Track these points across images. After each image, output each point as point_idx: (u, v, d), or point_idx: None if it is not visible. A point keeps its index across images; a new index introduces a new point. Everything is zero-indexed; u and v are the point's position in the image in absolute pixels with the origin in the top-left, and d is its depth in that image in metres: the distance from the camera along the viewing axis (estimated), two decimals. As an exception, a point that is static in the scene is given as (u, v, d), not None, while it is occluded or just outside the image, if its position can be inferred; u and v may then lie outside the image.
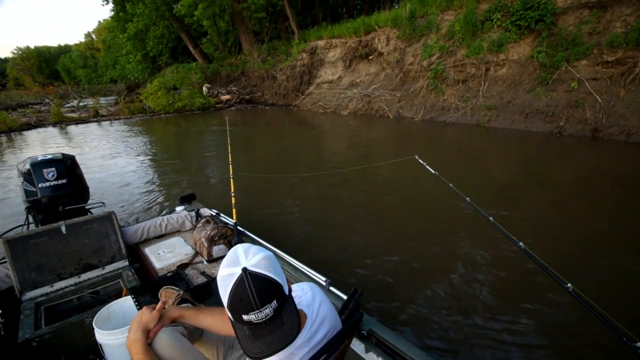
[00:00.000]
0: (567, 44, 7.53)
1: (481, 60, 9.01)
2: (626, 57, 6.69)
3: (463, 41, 9.46)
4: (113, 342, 1.36)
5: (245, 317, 0.81)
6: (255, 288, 0.79)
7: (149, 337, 1.10)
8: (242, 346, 0.84)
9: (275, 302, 0.82)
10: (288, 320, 0.85)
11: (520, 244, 1.45)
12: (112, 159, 7.58)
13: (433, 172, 2.24)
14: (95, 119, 14.24)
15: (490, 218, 1.59)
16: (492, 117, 8.46)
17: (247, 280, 0.80)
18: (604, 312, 1.13)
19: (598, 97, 6.88)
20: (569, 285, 1.23)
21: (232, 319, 0.85)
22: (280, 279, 0.86)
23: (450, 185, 1.98)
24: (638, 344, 0.98)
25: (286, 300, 0.87)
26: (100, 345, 1.40)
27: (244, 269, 0.81)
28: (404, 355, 1.28)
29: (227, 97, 16.56)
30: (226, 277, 0.82)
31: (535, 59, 8.01)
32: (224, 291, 0.82)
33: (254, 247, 0.89)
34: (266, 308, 0.80)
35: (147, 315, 1.13)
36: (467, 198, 1.81)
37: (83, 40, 58.34)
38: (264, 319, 0.81)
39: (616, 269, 2.75)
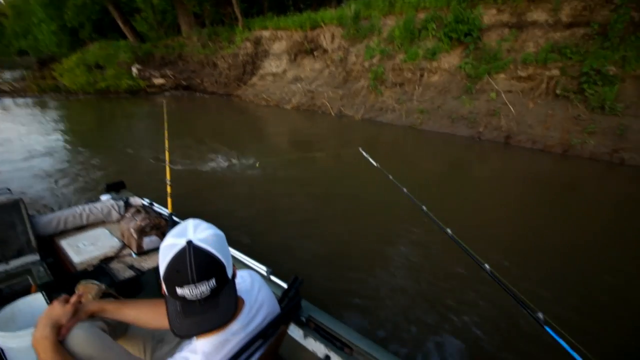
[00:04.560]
0: (489, 58, 8.41)
1: (417, 66, 9.63)
2: (535, 74, 7.70)
3: (402, 46, 10.01)
4: (18, 345, 1.18)
5: (179, 290, 0.77)
6: (195, 262, 0.75)
7: (60, 334, 0.98)
8: (170, 322, 0.80)
9: (214, 281, 0.78)
10: (224, 304, 0.82)
11: (448, 230, 1.59)
12: (18, 141, 6.58)
13: (375, 164, 2.35)
14: (-6, 95, 12.19)
15: (423, 207, 1.73)
16: (424, 120, 9.10)
17: (189, 253, 0.76)
18: (514, 289, 1.29)
19: (511, 108, 7.81)
20: (486, 266, 1.39)
21: (165, 292, 0.81)
22: (226, 260, 0.82)
23: (390, 176, 2.11)
24: (539, 314, 1.15)
25: (227, 283, 0.83)
26: (1, 350, 1.21)
27: (189, 242, 0.77)
28: (341, 338, 1.32)
29: (161, 81, 15.34)
30: (168, 246, 0.78)
31: (463, 69, 8.80)
32: (163, 260, 0.78)
33: (206, 224, 0.85)
34: (203, 285, 0.76)
35: (59, 309, 1.00)
36: (404, 189, 1.94)
37: (-16, 2, 48.95)
38: (198, 297, 0.77)
39: (529, 252, 3.20)
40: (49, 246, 2.11)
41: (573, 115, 7.03)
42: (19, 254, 1.84)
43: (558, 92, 7.29)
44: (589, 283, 2.80)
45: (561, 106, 7.28)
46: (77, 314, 1.03)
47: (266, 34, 14.02)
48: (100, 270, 1.81)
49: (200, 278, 0.76)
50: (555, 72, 7.41)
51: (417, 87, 9.65)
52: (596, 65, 6.73)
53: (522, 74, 7.89)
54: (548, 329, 1.09)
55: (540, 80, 7.60)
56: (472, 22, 8.52)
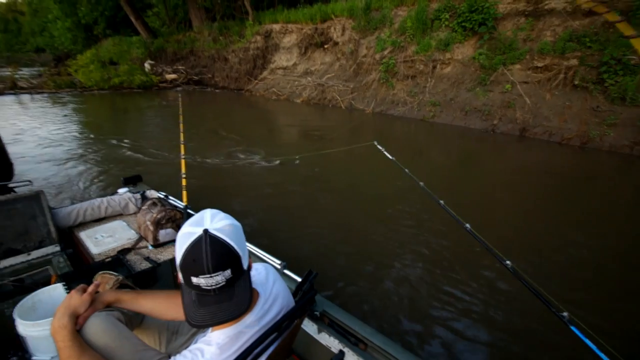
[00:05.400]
0: (504, 48, 8.18)
1: (429, 58, 9.45)
2: (553, 64, 7.47)
3: (414, 38, 9.83)
4: (39, 333, 1.21)
5: (194, 279, 0.77)
6: (211, 251, 0.76)
7: (77, 323, 0.99)
8: (185, 311, 0.80)
9: (229, 271, 0.78)
10: (239, 295, 0.82)
11: (467, 225, 1.55)
12: (38, 135, 6.74)
13: (390, 157, 2.32)
14: (11, 92, 12.46)
15: (441, 201, 1.69)
16: (437, 113, 8.95)
17: (205, 242, 0.76)
18: (538, 287, 1.25)
19: (527, 99, 7.61)
20: (508, 262, 1.34)
21: (182, 280, 0.81)
22: (241, 250, 0.82)
23: (406, 170, 2.07)
24: (564, 313, 1.12)
25: (242, 274, 0.83)
26: (23, 338, 1.23)
27: (205, 230, 0.77)
28: (356, 333, 1.30)
29: (173, 76, 15.47)
30: (185, 234, 0.78)
31: (477, 60, 8.60)
32: (180, 249, 0.78)
33: (224, 214, 0.85)
34: (218, 275, 0.77)
35: (77, 299, 1.01)
36: (420, 183, 1.90)
37: (4, 0, 49.77)
38: (214, 287, 0.77)
39: (549, 247, 3.12)
40: (68, 237, 2.16)
41: (592, 107, 6.81)
42: (40, 244, 1.88)
43: (576, 82, 7.06)
44: (609, 278, 2.72)
45: (579, 97, 7.05)
46: (94, 304, 1.05)
47: (276, 27, 13.95)
48: (118, 261, 1.84)
49: (216, 268, 0.76)
50: (574, 61, 7.17)
51: (429, 79, 9.48)
52: (617, 54, 6.48)
53: (539, 64, 7.66)
54: (574, 329, 1.05)
55: (557, 70, 7.37)
56: (486, 11, 8.29)
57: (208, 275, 0.76)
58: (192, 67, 16.64)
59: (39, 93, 12.54)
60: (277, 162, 5.31)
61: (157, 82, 14.83)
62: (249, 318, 0.92)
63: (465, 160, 6.20)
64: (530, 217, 3.79)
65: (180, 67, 16.19)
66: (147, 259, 1.93)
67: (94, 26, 22.68)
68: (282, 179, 4.78)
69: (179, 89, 15.07)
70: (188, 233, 0.78)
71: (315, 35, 12.57)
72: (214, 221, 0.81)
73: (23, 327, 1.20)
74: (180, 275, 0.81)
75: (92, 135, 7.06)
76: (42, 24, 32.38)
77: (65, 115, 8.97)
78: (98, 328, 1.01)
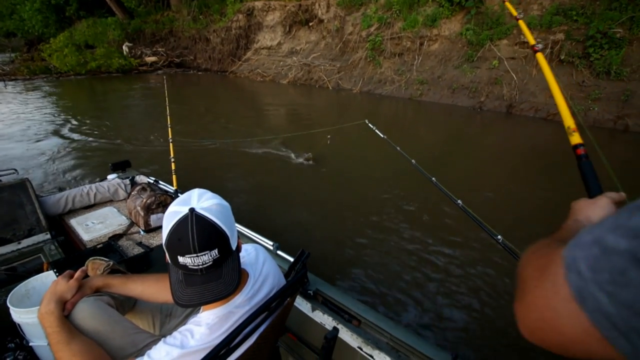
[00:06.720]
0: (491, 23, 8.13)
1: (416, 35, 9.33)
2: (539, 39, 7.47)
3: (400, 13, 9.66)
4: (32, 320, 1.21)
5: (180, 259, 0.76)
6: (197, 230, 0.74)
7: (65, 309, 0.98)
8: (172, 291, 0.80)
9: (216, 251, 0.77)
10: (227, 275, 0.81)
11: (459, 201, 1.57)
12: (18, 124, 6.50)
13: (382, 136, 2.32)
14: (-17, 79, 11.85)
15: (433, 179, 1.71)
16: (424, 92, 8.93)
17: (191, 221, 0.75)
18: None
19: (514, 76, 7.64)
20: (499, 237, 1.35)
21: (168, 260, 0.80)
22: (229, 230, 0.81)
23: (398, 148, 2.07)
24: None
25: (230, 254, 0.82)
26: (18, 325, 1.23)
27: (192, 209, 0.76)
28: (349, 310, 1.33)
29: (153, 59, 14.92)
30: (172, 213, 0.77)
31: (464, 36, 8.53)
32: (166, 227, 0.77)
33: (211, 193, 0.83)
34: (205, 254, 0.76)
35: (63, 285, 1.00)
36: (412, 160, 1.91)
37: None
38: (200, 266, 0.77)
39: (539, 221, 3.21)
40: (58, 225, 2.12)
41: (577, 82, 6.89)
42: (30, 233, 1.85)
43: (562, 57, 7.11)
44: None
45: (565, 72, 7.12)
46: (82, 289, 1.03)
47: (259, 4, 13.48)
48: (110, 247, 1.82)
49: (202, 247, 0.75)
50: (560, 36, 7.19)
51: (416, 56, 9.39)
52: (603, 27, 6.51)
53: (526, 39, 7.64)
54: None
55: (544, 45, 7.37)
56: (473, -16, 8.17)
57: (194, 255, 0.75)
58: (173, 48, 16.06)
59: (12, 80, 11.96)
60: (267, 145, 5.24)
61: (137, 65, 14.30)
62: (238, 298, 0.92)
63: (455, 138, 6.26)
64: (519, 192, 3.88)
65: (160, 49, 15.61)
66: (140, 244, 1.91)
67: (66, 7, 21.44)
68: (273, 160, 4.74)
69: (160, 72, 14.58)
70: (174, 212, 0.77)
71: (300, 12, 12.21)
72: (200, 200, 0.80)
73: (17, 314, 1.20)
74: (167, 255, 0.80)
75: (74, 122, 6.82)
76: (10, 6, 30.37)
77: (44, 102, 8.63)
78: (86, 313, 0.99)
